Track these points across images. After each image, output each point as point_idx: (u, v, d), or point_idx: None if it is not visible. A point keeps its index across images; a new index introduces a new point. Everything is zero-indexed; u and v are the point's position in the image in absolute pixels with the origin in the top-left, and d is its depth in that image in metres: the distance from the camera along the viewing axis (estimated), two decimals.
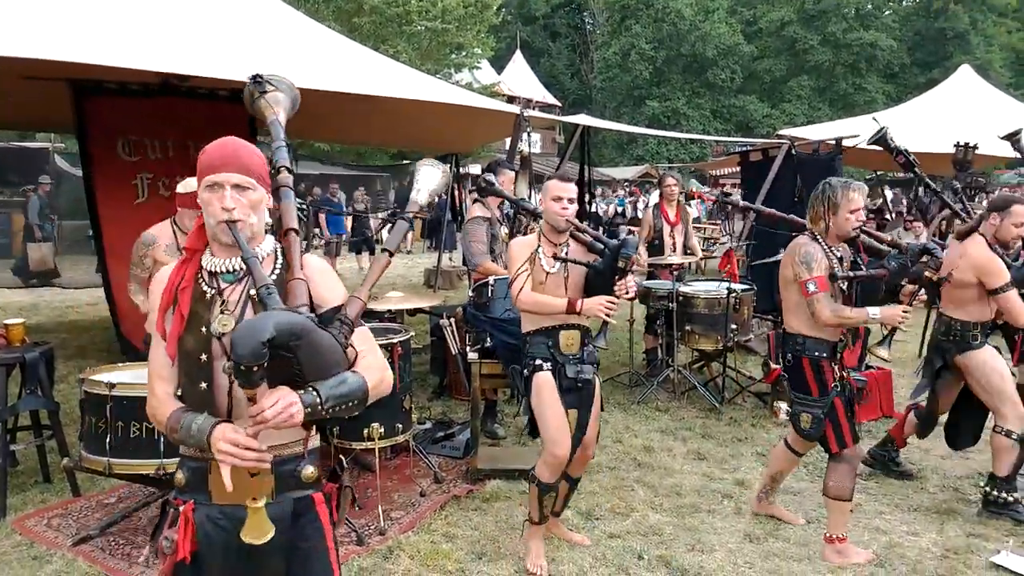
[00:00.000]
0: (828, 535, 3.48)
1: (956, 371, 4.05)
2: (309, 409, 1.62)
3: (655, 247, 6.56)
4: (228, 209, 1.73)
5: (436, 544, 3.54)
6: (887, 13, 38.50)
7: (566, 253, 3.19)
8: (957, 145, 7.22)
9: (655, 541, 3.62)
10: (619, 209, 17.46)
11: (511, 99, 22.98)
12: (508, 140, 7.05)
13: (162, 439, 3.18)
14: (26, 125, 11.59)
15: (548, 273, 3.19)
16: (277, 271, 1.83)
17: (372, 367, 1.80)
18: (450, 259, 14.32)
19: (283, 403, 1.60)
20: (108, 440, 3.19)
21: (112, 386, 3.21)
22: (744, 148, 8.45)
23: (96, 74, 5.66)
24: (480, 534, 3.67)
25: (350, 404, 1.71)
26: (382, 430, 3.82)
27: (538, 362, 3.19)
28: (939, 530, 3.81)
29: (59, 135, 15.72)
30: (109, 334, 7.06)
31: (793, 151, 7.34)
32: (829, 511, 3.50)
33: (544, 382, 3.16)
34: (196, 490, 1.79)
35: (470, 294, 4.47)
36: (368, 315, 5.00)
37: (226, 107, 6.43)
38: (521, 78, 34.49)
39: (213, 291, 1.78)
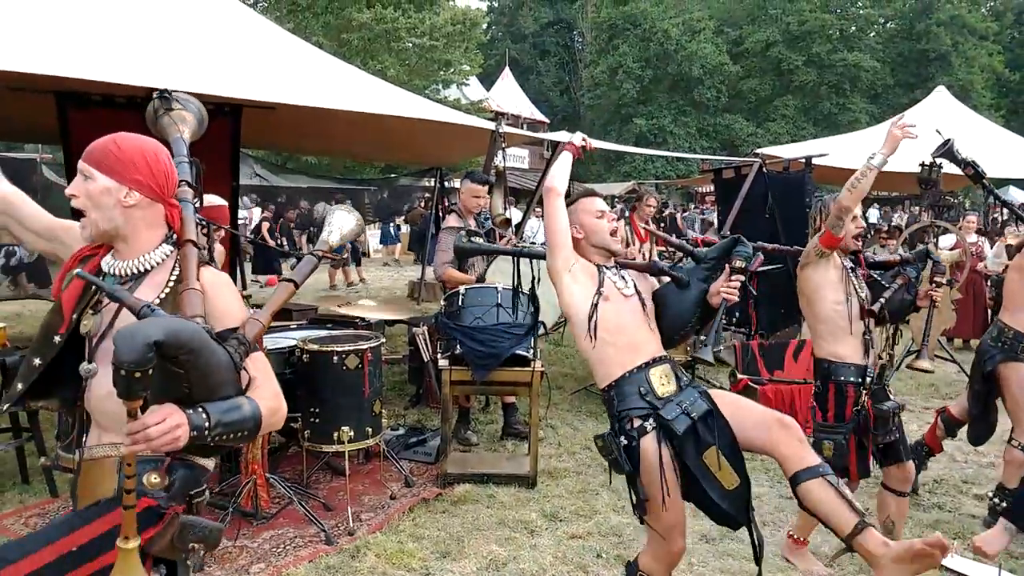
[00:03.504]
0: (792, 534, 3.47)
1: (994, 379, 3.95)
2: (195, 432, 1.48)
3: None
4: (71, 194, 1.73)
5: (403, 544, 3.66)
6: (871, 35, 39.08)
7: (630, 279, 2.62)
8: (922, 164, 7.44)
9: (615, 541, 3.75)
10: None
11: (499, 115, 23.23)
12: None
13: None
14: (12, 136, 11.67)
15: (625, 296, 2.56)
16: (171, 283, 1.74)
17: (267, 396, 1.67)
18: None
19: (171, 422, 1.45)
20: (69, 440, 3.29)
21: None
22: (718, 167, 8.64)
23: (82, 87, 5.79)
24: (446, 535, 3.79)
25: (239, 434, 1.57)
26: (352, 434, 3.94)
27: (637, 423, 2.40)
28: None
29: (46, 147, 15.79)
30: None
31: (764, 169, 7.52)
32: (801, 516, 3.39)
33: (652, 451, 2.36)
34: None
35: (442, 303, 4.60)
36: (341, 323, 5.14)
37: (210, 120, 6.56)
38: (510, 95, 34.78)
39: (95, 287, 1.70)
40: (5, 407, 1.83)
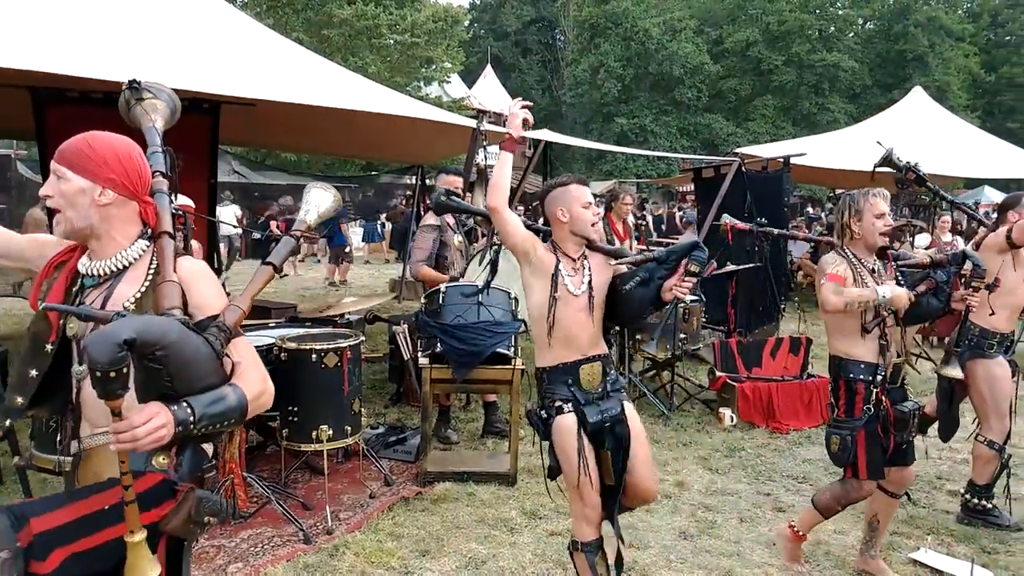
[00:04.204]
0: (793, 526, 3.46)
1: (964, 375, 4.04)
2: (180, 428, 1.50)
3: None
4: (45, 194, 1.73)
5: (382, 543, 3.65)
6: (850, 35, 39.44)
7: (589, 269, 2.83)
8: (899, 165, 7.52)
9: None
10: None
11: (480, 113, 23.20)
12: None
13: None
14: None
15: (574, 295, 2.77)
16: (150, 276, 1.75)
17: (252, 379, 1.69)
18: None
19: (156, 422, 1.47)
20: (59, 439, 3.25)
21: None
22: (698, 166, 8.70)
23: (58, 83, 5.72)
24: (426, 533, 3.78)
25: (226, 423, 1.60)
26: (331, 432, 3.92)
27: (558, 403, 2.76)
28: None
29: (22, 143, 15.59)
30: None
31: (744, 168, 7.59)
32: (808, 511, 3.42)
33: (566, 428, 2.73)
34: None
35: (422, 301, 4.60)
36: (321, 321, 5.11)
37: (188, 117, 6.45)
38: (492, 93, 34.71)
39: (76, 288, 1.75)
40: (7, 422, 1.88)
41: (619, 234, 6.73)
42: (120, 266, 1.75)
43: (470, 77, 34.37)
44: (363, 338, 4.37)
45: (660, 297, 2.75)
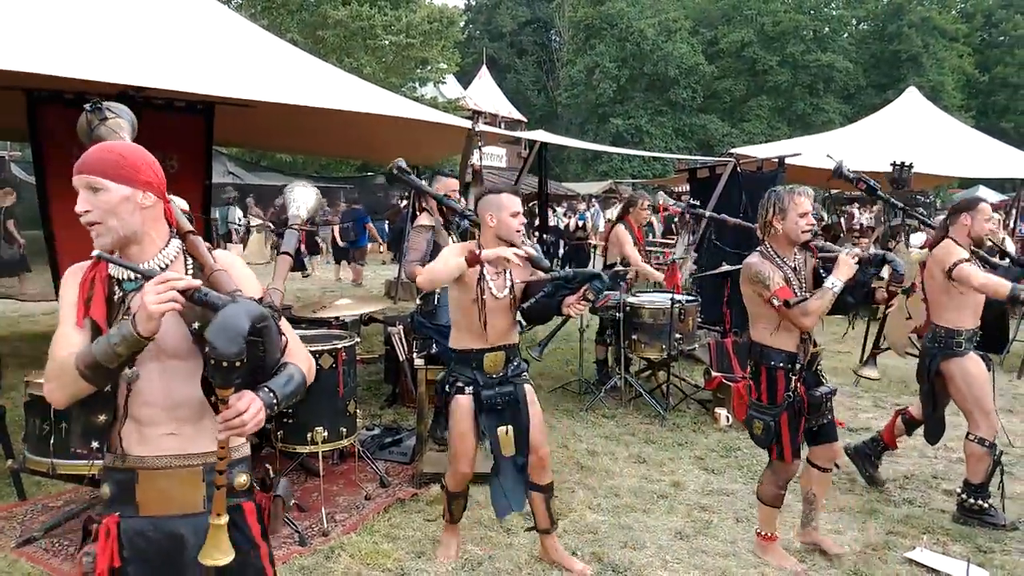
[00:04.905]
0: (759, 531, 3.61)
1: (941, 377, 4.12)
2: (268, 410, 1.62)
3: (625, 263, 6.74)
4: (80, 212, 1.69)
5: (377, 544, 3.64)
6: (844, 36, 39.56)
7: (509, 272, 3.22)
8: (893, 164, 7.54)
9: (590, 539, 3.76)
10: (580, 223, 17.73)
11: (476, 113, 23.21)
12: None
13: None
14: None
15: (496, 298, 3.18)
16: (190, 273, 1.79)
17: (301, 356, 1.82)
18: None
19: (255, 406, 1.58)
20: (52, 441, 3.25)
21: None
22: (693, 166, 8.71)
23: (53, 85, 5.70)
24: (422, 535, 3.78)
25: (294, 400, 1.72)
26: (326, 434, 3.91)
27: (459, 384, 3.26)
28: (861, 528, 4.00)
29: (16, 144, 15.53)
30: None
31: (738, 168, 7.60)
32: (761, 511, 3.60)
33: (461, 406, 3.24)
34: (123, 503, 1.74)
35: (417, 302, 4.59)
36: (315, 323, 5.10)
37: (182, 118, 6.48)
38: (487, 93, 34.80)
39: (119, 295, 1.75)
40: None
41: (640, 236, 6.74)
42: (163, 265, 1.76)
43: (465, 78, 34.42)
44: (358, 339, 4.36)
45: (560, 308, 3.10)
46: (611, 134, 35.84)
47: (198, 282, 1.58)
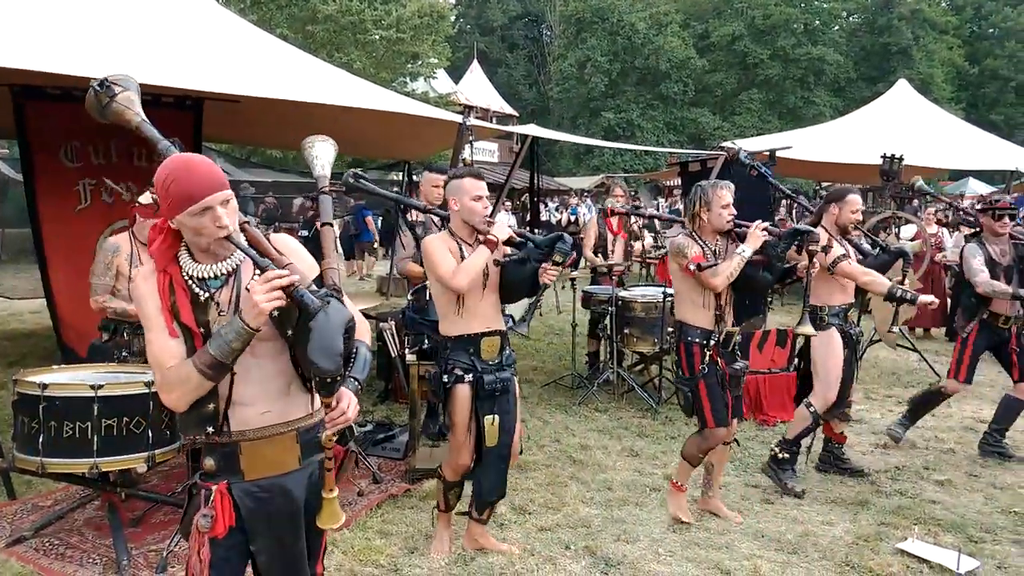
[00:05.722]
0: (673, 480, 3.91)
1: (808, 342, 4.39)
2: (356, 398, 1.88)
3: (600, 254, 6.76)
4: (225, 227, 1.77)
5: (370, 540, 3.64)
6: (835, 29, 39.55)
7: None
8: (884, 156, 7.56)
9: (583, 533, 3.77)
10: (572, 218, 17.73)
11: (467, 108, 23.14)
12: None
13: (95, 439, 3.21)
14: None
15: (486, 275, 3.24)
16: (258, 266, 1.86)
17: (364, 329, 1.98)
18: None
19: (354, 402, 1.85)
20: (41, 440, 3.22)
21: (45, 386, 3.24)
22: (684, 160, 8.71)
23: (38, 80, 5.65)
24: (414, 530, 3.77)
25: (367, 376, 1.96)
26: None
27: (459, 372, 3.24)
28: (852, 519, 4.02)
29: (2, 141, 15.39)
30: (51, 342, 6.99)
31: (729, 162, 7.58)
32: (679, 463, 3.89)
33: (463, 395, 3.24)
34: (228, 472, 1.90)
35: (409, 297, 4.58)
36: None
37: (170, 114, 6.44)
38: (478, 88, 34.65)
39: (207, 295, 1.84)
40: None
41: (612, 229, 6.72)
42: (240, 259, 1.86)
43: (456, 72, 34.26)
44: None
45: (537, 278, 3.18)
46: (603, 128, 35.75)
47: (296, 277, 1.72)
